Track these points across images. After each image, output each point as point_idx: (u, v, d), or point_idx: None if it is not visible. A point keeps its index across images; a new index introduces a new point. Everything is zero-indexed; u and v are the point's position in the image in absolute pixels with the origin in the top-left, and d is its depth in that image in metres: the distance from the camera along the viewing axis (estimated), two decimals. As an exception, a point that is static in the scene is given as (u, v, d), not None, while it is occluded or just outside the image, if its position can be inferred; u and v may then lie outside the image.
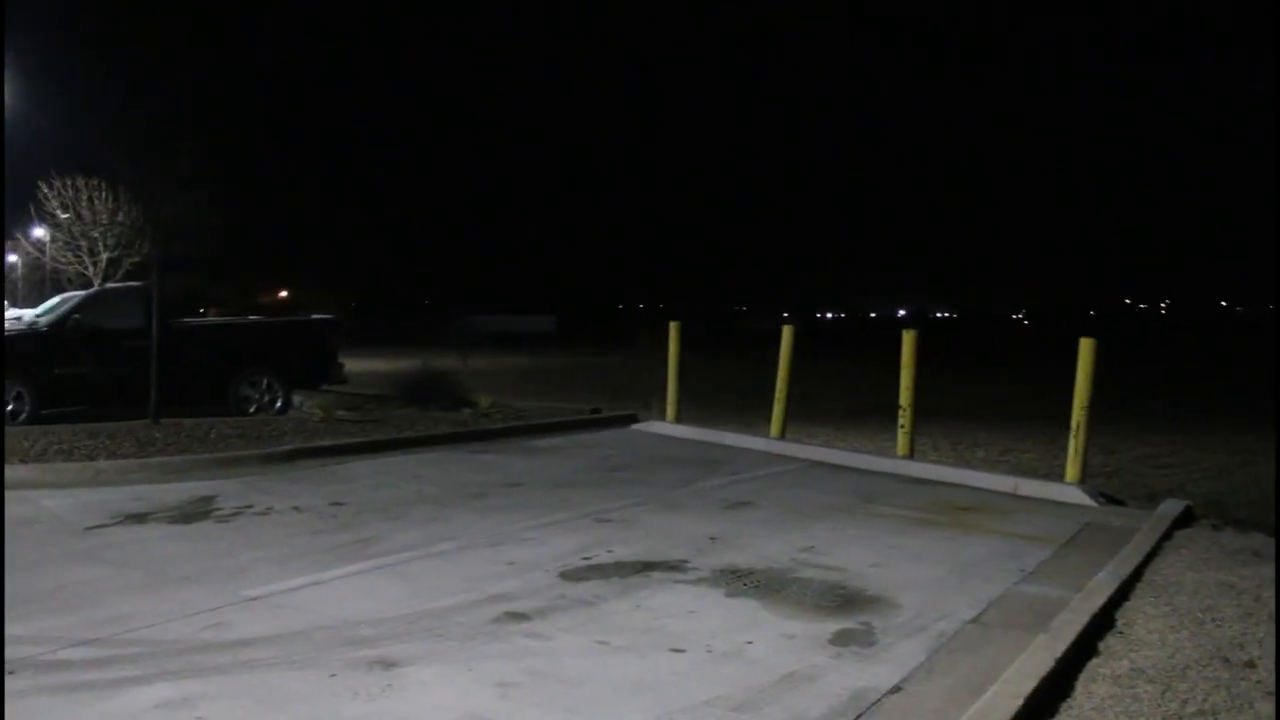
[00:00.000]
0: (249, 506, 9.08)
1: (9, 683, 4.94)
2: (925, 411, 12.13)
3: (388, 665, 5.17)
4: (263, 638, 5.59)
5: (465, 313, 58.94)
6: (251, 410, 15.56)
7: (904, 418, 11.73)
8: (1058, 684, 5.01)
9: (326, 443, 12.17)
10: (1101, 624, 5.96)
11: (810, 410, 14.34)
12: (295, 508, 9.08)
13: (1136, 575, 7.06)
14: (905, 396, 11.72)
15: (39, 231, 52.11)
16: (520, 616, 6.02)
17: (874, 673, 5.17)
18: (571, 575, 6.94)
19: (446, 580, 6.78)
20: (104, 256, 35.35)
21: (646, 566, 7.17)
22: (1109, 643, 5.70)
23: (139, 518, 8.66)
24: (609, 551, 7.59)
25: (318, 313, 19.53)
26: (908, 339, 11.85)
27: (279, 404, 15.90)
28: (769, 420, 13.39)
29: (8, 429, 13.34)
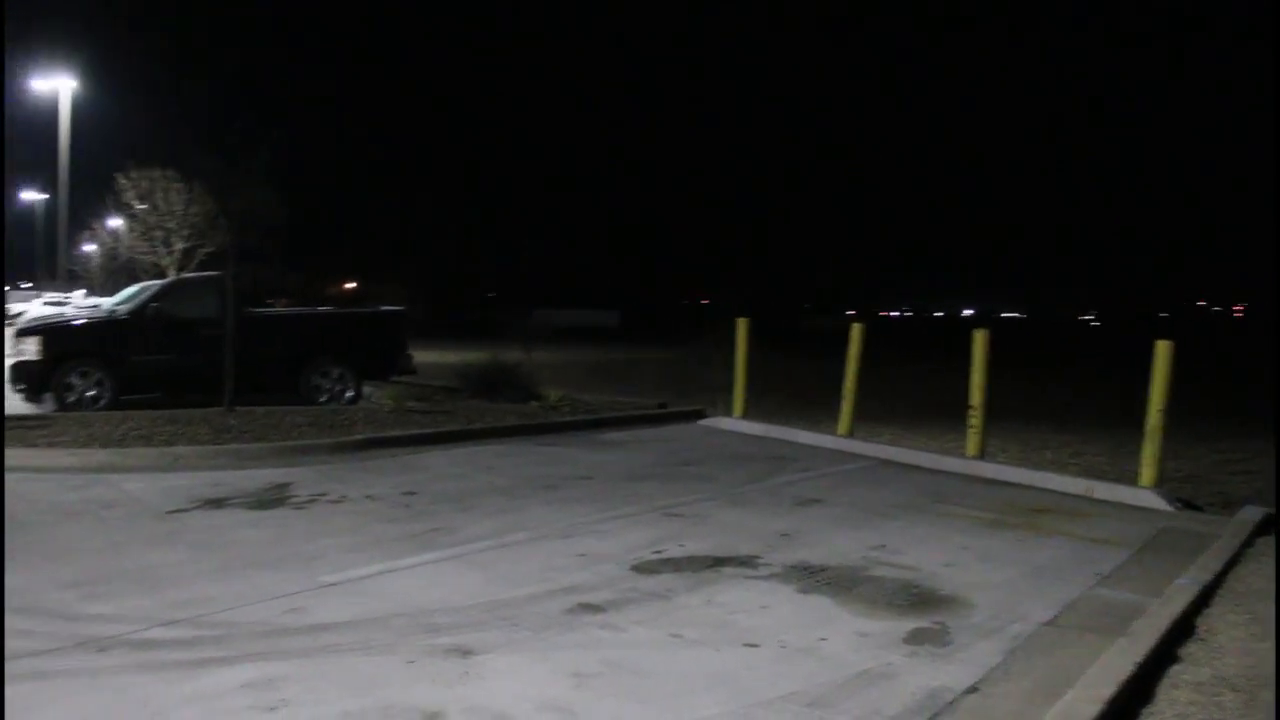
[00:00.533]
0: (323, 494, 9.22)
1: (100, 659, 5.08)
2: (992, 412, 11.99)
3: (465, 653, 5.23)
4: (341, 623, 5.69)
5: (529, 307, 59.35)
6: (322, 400, 15.76)
7: (974, 417, 11.63)
8: (1138, 689, 4.95)
9: (397, 433, 12.31)
10: (1182, 630, 5.88)
11: (876, 408, 14.26)
12: (368, 496, 9.21)
13: (1217, 582, 6.95)
14: (976, 396, 11.61)
15: (116, 222, 53.14)
16: (594, 608, 6.06)
17: (949, 672, 5.14)
18: (643, 568, 6.97)
19: (519, 570, 6.84)
20: (178, 247, 36.06)
21: (717, 561, 7.18)
22: (1190, 649, 5.62)
23: (217, 503, 8.83)
24: (680, 545, 7.61)
25: (385, 305, 19.67)
26: (979, 338, 11.74)
27: (349, 394, 16.09)
28: (835, 417, 13.35)
29: (90, 413, 13.64)
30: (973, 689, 4.94)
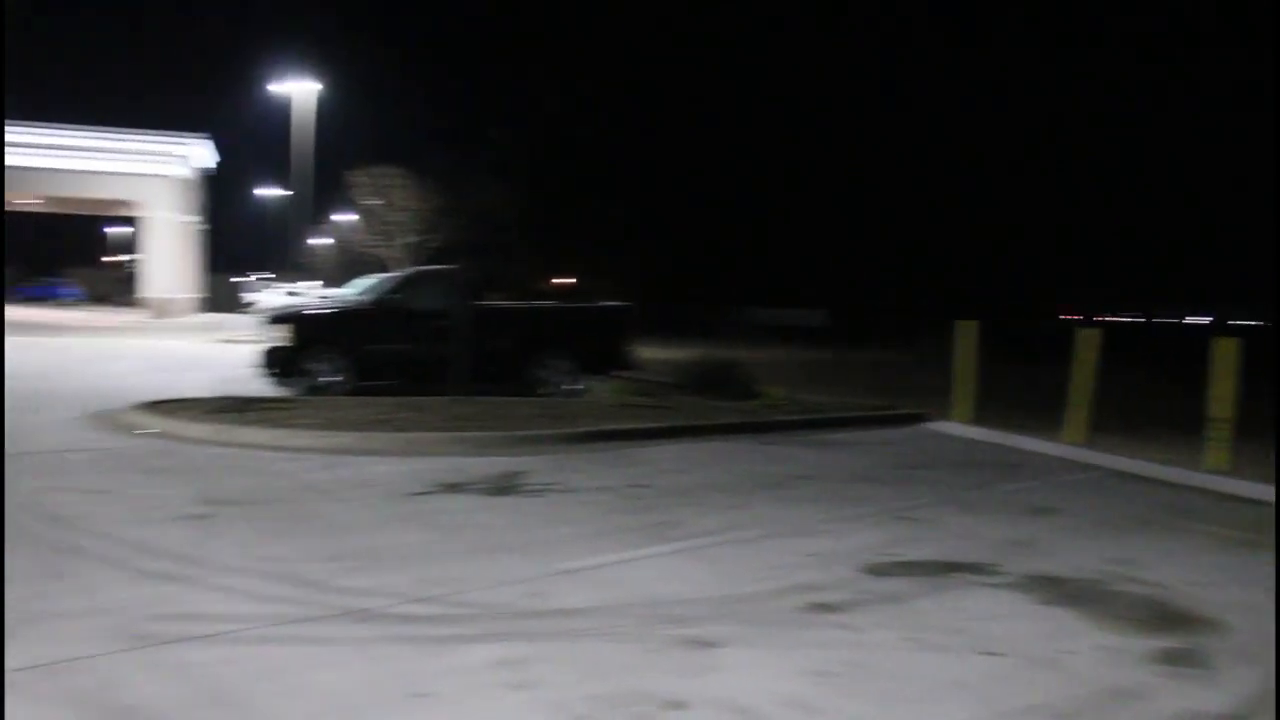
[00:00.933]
0: (554, 484, 9.48)
1: (361, 629, 5.38)
2: (1238, 425, 11.37)
3: (705, 645, 5.31)
4: (582, 609, 5.86)
5: (737, 305, 59.35)
6: (547, 392, 16.17)
7: (1218, 430, 11.06)
8: None
9: (622, 426, 12.55)
10: None
11: (1106, 416, 13.67)
12: (598, 487, 9.43)
13: None
14: (1221, 408, 11.06)
15: (346, 216, 55.96)
16: (828, 607, 6.05)
17: (1206, 697, 4.92)
18: (875, 570, 6.92)
19: (750, 567, 6.89)
20: (406, 240, 37.71)
21: (951, 567, 7.07)
22: None
23: (455, 487, 9.20)
24: (911, 549, 7.52)
25: (608, 300, 20.02)
26: (1226, 347, 11.16)
27: (574, 387, 16.47)
28: (1063, 424, 12.92)
29: (333, 398, 14.39)
30: (1240, 717, 4.72)
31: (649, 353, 24.84)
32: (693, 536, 7.68)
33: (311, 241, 64.73)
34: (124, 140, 44.30)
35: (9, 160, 42.50)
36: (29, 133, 43.35)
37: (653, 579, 6.52)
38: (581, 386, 16.62)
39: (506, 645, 5.23)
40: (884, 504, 9.10)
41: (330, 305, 18.93)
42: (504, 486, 9.29)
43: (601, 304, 17.72)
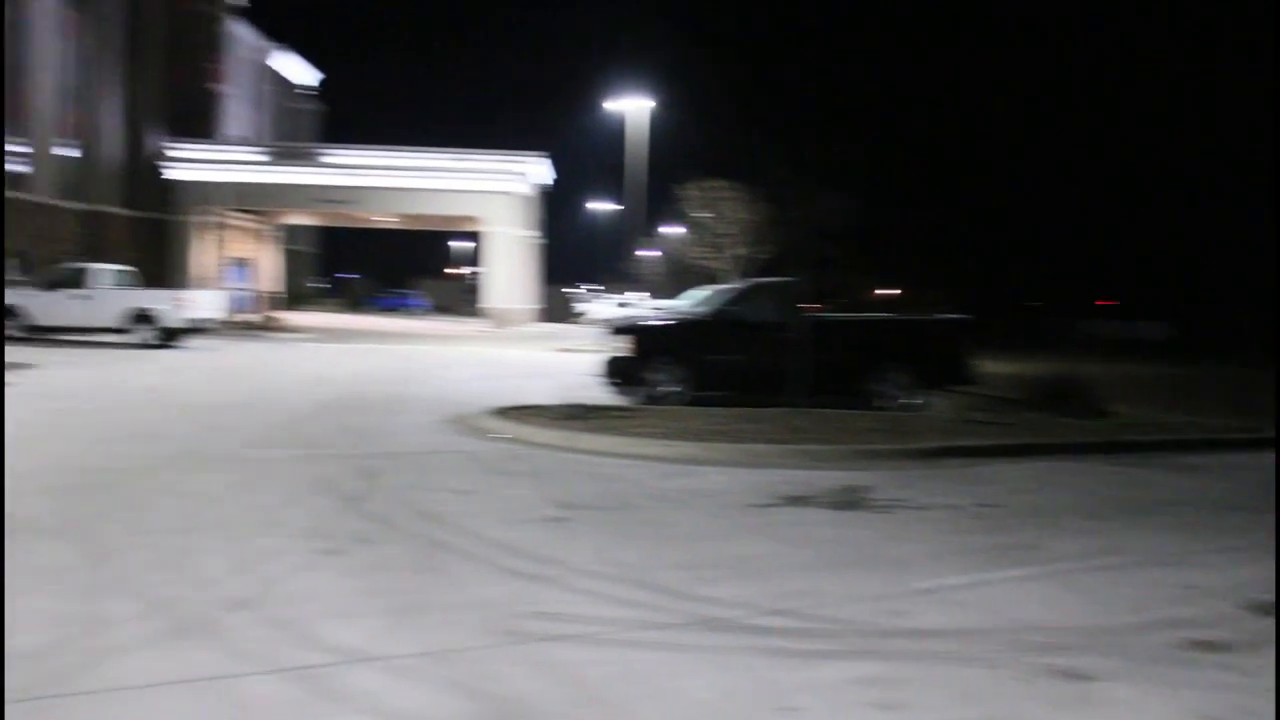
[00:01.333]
0: (900, 500, 9.29)
1: (720, 638, 5.42)
2: None
3: (1079, 677, 5.02)
4: (941, 630, 5.68)
5: (1071, 318, 56.51)
6: (884, 406, 15.89)
7: None
8: None
9: (965, 442, 12.17)
10: None
11: None
12: (946, 505, 9.16)
13: None
14: None
15: (674, 229, 57.27)
16: (1209, 646, 5.60)
17: None
18: (1260, 608, 6.34)
19: (1118, 596, 6.49)
20: (735, 253, 38.16)
21: (1351, 610, 6.40)
22: None
23: (798, 500, 9.17)
24: (1302, 588, 6.87)
25: (940, 311, 19.48)
26: None
27: (911, 401, 16.11)
28: None
29: (674, 408, 14.69)
30: None
31: (986, 367, 24.06)
32: (1052, 561, 7.32)
33: (641, 254, 66.63)
34: (471, 160, 47.11)
35: (373, 182, 46.18)
36: (389, 156, 46.94)
37: (1013, 603, 6.26)
38: (919, 401, 16.24)
39: (867, 663, 5.14)
40: (1261, 537, 8.35)
41: (670, 317, 19.36)
42: (848, 501, 9.19)
43: (942, 316, 17.22)
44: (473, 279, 70.97)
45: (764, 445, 11.57)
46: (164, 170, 45.91)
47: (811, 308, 15.15)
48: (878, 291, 18.56)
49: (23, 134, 37.71)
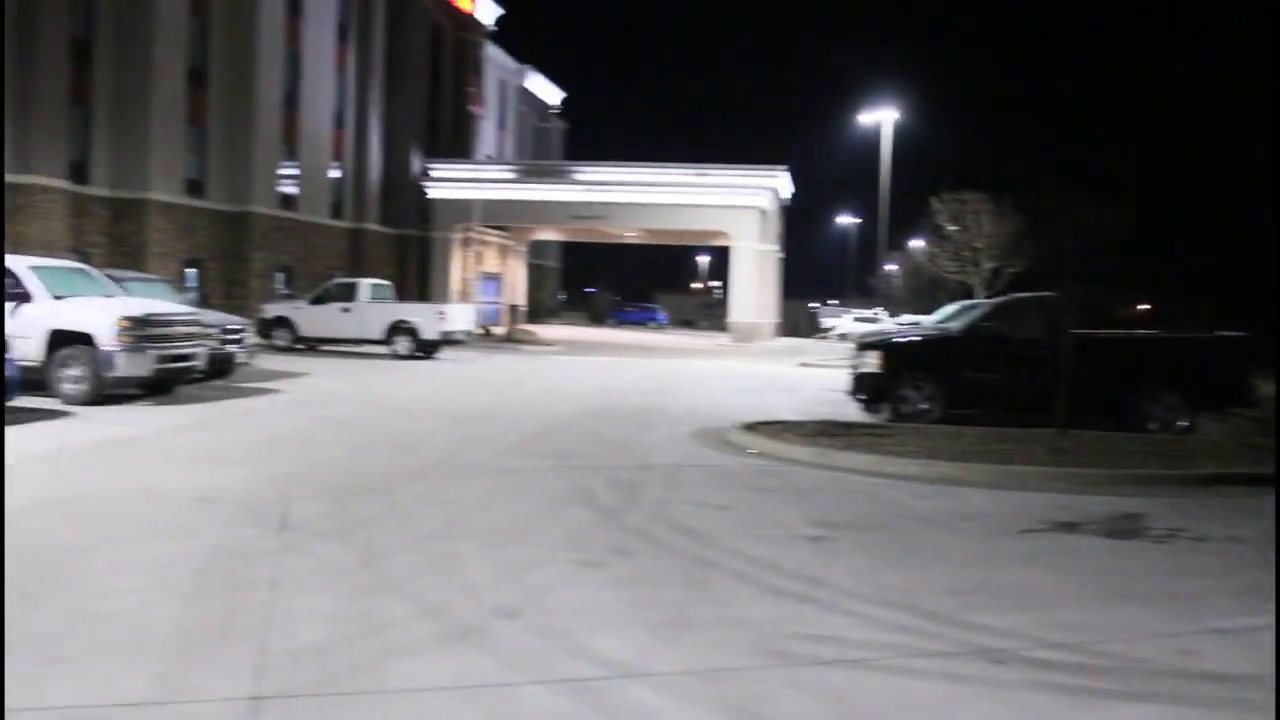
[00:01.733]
0: (1181, 530, 8.71)
1: (999, 671, 5.17)
2: None
3: None
4: (1243, 676, 5.26)
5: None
6: (1152, 428, 14.98)
7: None
8: None
9: (1249, 470, 11.34)
10: None
11: None
12: (1229, 537, 8.55)
13: None
14: None
15: (920, 242, 56.03)
16: None
17: None
18: None
19: None
20: (985, 266, 36.91)
21: None
22: None
23: (1068, 526, 8.74)
24: None
25: (1213, 328, 18.19)
26: None
27: (1183, 423, 15.14)
28: None
29: (926, 426, 14.29)
30: None
31: (1262, 388, 22.45)
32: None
33: (886, 268, 65.58)
34: (713, 175, 47.30)
35: (620, 198, 47.01)
36: (635, 172, 47.70)
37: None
38: (1187, 423, 15.24)
39: (1161, 708, 4.81)
40: None
41: (921, 333, 18.92)
42: (1123, 529, 8.68)
43: (1217, 334, 16.07)
44: (716, 293, 71.41)
45: (1025, 467, 11.09)
46: (426, 189, 48.07)
47: (1074, 324, 14.39)
48: (1143, 306, 17.50)
49: (293, 158, 40.21)
